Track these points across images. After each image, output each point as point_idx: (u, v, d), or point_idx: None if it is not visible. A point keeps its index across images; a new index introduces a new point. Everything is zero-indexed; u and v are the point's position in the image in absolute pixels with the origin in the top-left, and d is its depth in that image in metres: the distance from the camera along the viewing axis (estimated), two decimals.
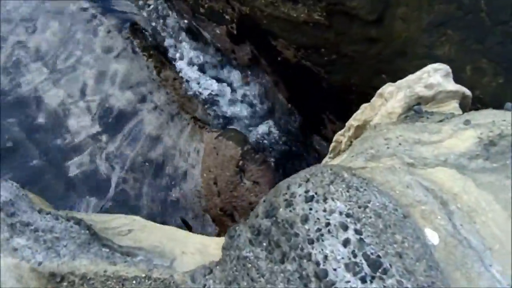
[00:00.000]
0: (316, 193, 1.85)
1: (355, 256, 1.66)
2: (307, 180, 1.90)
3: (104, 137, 5.28)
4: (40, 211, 2.05)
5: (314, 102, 5.32)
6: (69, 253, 1.99)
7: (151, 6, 6.21)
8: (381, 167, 1.95)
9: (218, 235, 4.92)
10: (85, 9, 5.79)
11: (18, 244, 1.95)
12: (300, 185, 1.91)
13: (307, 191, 1.87)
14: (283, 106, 5.83)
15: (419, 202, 1.80)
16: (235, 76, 5.99)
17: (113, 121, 5.34)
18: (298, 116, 5.74)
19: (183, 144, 5.40)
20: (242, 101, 5.94)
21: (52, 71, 5.45)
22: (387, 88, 2.41)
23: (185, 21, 6.09)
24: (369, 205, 1.76)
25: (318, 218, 1.78)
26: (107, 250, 2.12)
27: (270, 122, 5.83)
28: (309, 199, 1.85)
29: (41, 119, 5.25)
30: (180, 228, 2.63)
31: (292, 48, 4.89)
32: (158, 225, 2.48)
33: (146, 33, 6.06)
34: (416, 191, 1.83)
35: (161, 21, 6.15)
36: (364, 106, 2.57)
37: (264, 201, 2.00)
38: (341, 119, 5.11)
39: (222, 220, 4.95)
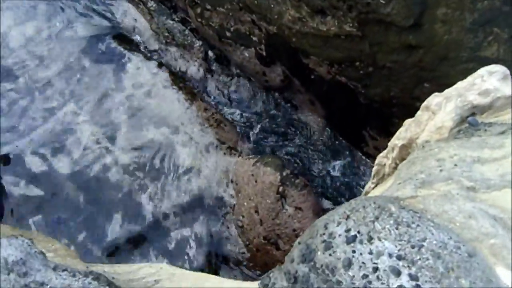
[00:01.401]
0: (358, 232, 1.56)
1: None
2: (348, 217, 1.62)
3: (141, 174, 5.20)
4: (55, 268, 1.87)
5: (353, 119, 5.01)
6: None
7: (177, 38, 6.15)
8: (434, 194, 1.64)
9: (262, 268, 4.66)
10: (113, 48, 5.81)
11: None
12: (339, 224, 1.63)
13: (348, 230, 1.59)
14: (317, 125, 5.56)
15: (487, 235, 1.47)
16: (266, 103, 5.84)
17: (149, 156, 5.26)
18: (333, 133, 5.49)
19: (220, 173, 5.22)
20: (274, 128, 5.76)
21: (85, 110, 5.44)
22: (434, 99, 2.09)
23: (212, 48, 5.99)
24: (424, 243, 1.45)
25: (363, 262, 1.49)
26: None
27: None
28: (351, 240, 1.56)
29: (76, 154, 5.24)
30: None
31: (325, 64, 4.63)
32: (187, 272, 2.26)
33: (174, 66, 5.99)
34: (481, 222, 1.51)
35: (188, 51, 6.07)
36: (408, 122, 2.26)
37: (299, 243, 1.73)
38: (383, 134, 4.77)
39: (267, 249, 4.69)
